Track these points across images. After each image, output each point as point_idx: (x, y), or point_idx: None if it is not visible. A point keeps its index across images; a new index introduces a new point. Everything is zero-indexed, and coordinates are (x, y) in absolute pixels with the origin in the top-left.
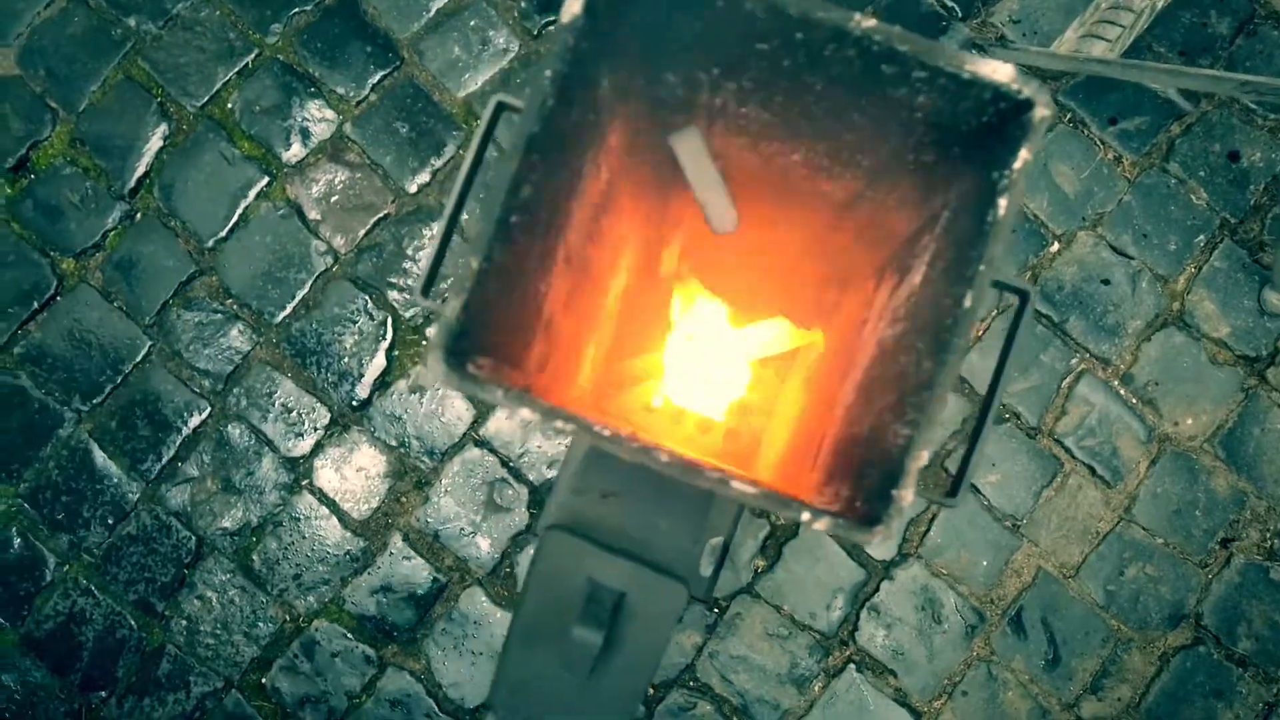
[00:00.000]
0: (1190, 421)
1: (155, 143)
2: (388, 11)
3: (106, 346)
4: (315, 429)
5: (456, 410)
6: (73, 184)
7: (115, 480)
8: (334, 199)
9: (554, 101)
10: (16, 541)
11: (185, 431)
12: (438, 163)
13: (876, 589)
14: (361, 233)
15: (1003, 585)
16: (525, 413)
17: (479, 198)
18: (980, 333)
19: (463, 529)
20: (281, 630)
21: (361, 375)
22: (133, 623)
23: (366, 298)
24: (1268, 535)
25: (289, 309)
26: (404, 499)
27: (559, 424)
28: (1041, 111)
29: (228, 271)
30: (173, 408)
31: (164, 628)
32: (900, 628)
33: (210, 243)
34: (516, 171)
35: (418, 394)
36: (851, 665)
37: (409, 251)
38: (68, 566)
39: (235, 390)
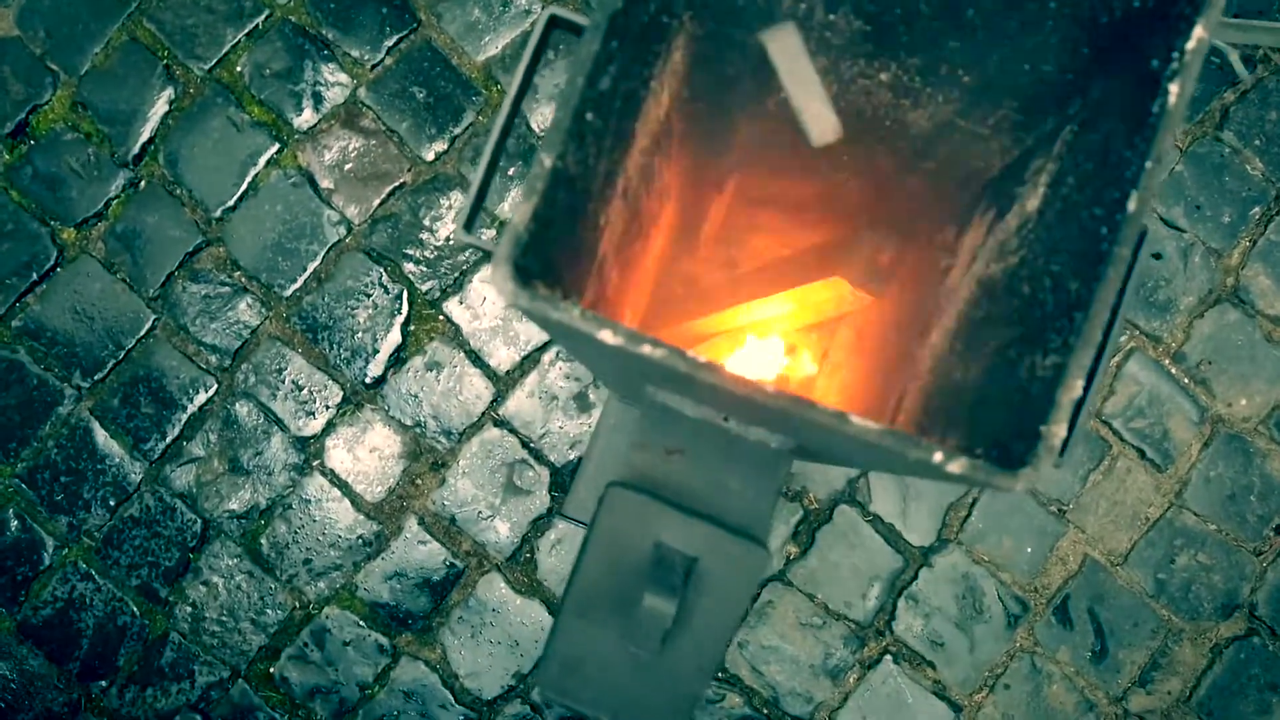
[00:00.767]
0: (1244, 402)
1: (160, 107)
2: None
3: (109, 320)
4: (327, 407)
5: (475, 389)
6: (74, 150)
7: (117, 460)
8: (347, 167)
9: None
10: (14, 524)
11: (191, 409)
12: (456, 130)
13: (915, 577)
14: (376, 202)
15: (1047, 573)
16: (606, 334)
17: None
18: None
19: (481, 512)
20: (291, 618)
21: (376, 351)
22: (135, 609)
23: (381, 270)
24: None
25: (300, 282)
26: (419, 481)
27: (646, 349)
28: None
29: (236, 242)
30: (178, 385)
31: (167, 614)
32: (939, 617)
33: (218, 212)
34: (599, 53)
35: (434, 371)
36: (888, 656)
37: (426, 222)
38: (67, 550)
39: (243, 367)
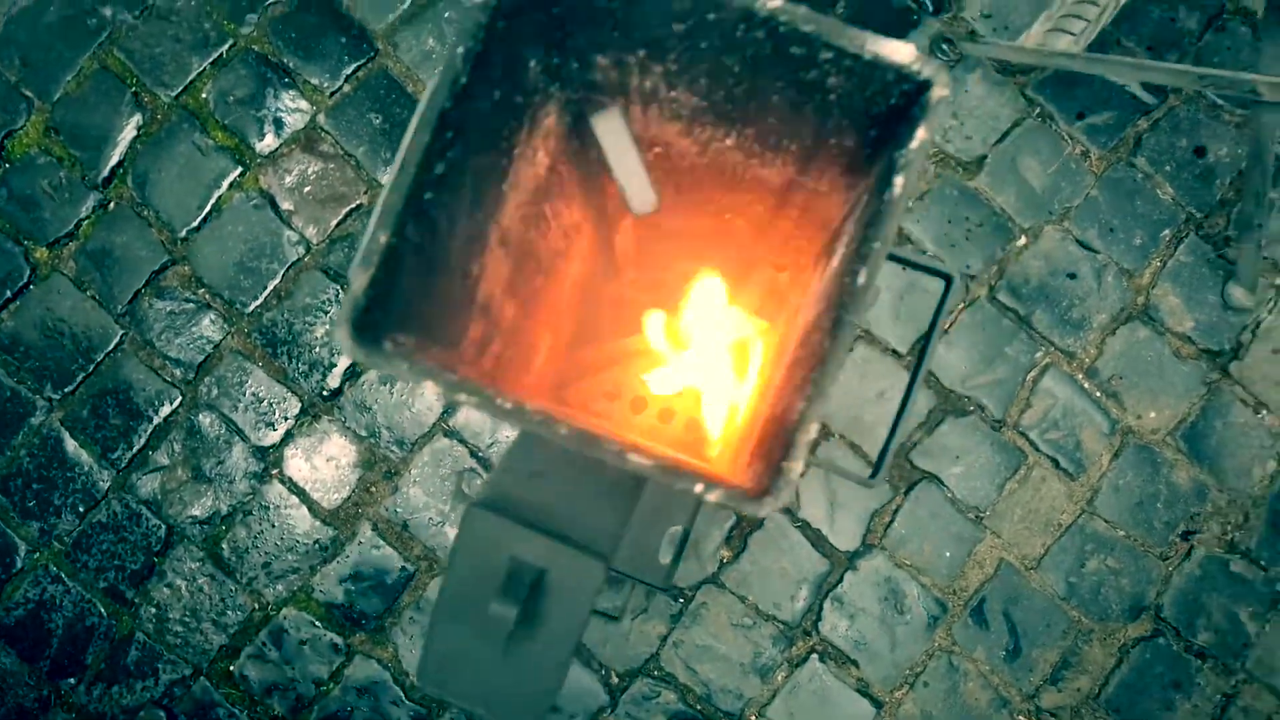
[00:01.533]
0: (1153, 415)
1: (129, 132)
2: (363, 3)
3: (79, 335)
4: (286, 418)
5: (426, 401)
6: (47, 173)
7: (86, 468)
8: (307, 189)
9: (468, 79)
10: None
11: (156, 420)
12: None
13: (840, 580)
14: (334, 223)
15: (965, 576)
16: (429, 386)
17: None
18: (948, 326)
19: (431, 518)
20: (250, 618)
21: (333, 365)
22: (102, 610)
23: (338, 288)
24: (1228, 528)
25: (261, 299)
26: (373, 488)
27: (462, 397)
28: (939, 91)
29: (200, 261)
30: (144, 397)
31: (133, 615)
32: (863, 618)
33: (183, 232)
34: (428, 145)
35: (388, 384)
36: (814, 655)
37: None
38: (38, 554)
39: (206, 379)
